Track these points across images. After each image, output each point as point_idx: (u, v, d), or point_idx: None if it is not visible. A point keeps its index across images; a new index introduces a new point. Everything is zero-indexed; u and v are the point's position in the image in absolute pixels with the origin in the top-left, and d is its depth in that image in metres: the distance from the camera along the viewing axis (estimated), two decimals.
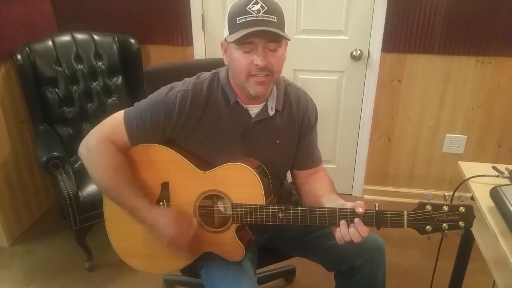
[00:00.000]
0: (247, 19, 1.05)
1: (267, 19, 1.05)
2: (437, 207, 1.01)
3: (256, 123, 1.22)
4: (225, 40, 1.12)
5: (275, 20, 1.06)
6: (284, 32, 1.08)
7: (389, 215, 1.04)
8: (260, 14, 1.04)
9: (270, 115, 1.23)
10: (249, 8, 1.05)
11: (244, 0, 1.07)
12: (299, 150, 1.32)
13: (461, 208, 1.00)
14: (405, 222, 1.03)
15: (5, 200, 2.21)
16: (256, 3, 1.05)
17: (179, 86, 1.20)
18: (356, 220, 1.04)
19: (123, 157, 1.20)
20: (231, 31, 1.08)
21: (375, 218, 1.04)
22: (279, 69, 1.15)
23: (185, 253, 1.21)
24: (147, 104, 1.20)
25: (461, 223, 1.00)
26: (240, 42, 1.07)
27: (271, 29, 1.05)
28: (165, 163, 1.22)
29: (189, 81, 1.22)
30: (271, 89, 1.21)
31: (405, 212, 1.03)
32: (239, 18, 1.06)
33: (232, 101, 1.19)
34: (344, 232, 1.05)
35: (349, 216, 1.06)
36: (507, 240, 1.05)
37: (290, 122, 1.27)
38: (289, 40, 1.11)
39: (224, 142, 1.22)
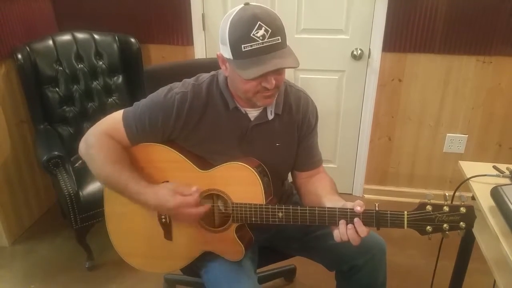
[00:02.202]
0: (253, 47, 1.01)
1: (273, 43, 1.02)
2: (437, 207, 1.00)
3: (255, 126, 1.22)
4: (228, 60, 1.10)
5: (280, 40, 1.04)
6: (286, 44, 1.07)
7: (389, 216, 1.04)
8: (265, 40, 1.01)
9: (270, 119, 1.22)
10: (253, 35, 1.00)
11: (245, 22, 1.02)
12: (299, 152, 1.31)
13: (461, 208, 0.99)
14: (405, 222, 1.03)
15: (5, 199, 2.21)
16: (260, 27, 1.00)
17: (178, 88, 1.20)
18: (355, 219, 1.04)
19: (123, 148, 1.20)
20: (235, 56, 1.05)
21: (375, 218, 1.04)
22: (284, 79, 1.17)
23: (197, 217, 1.16)
24: (146, 106, 1.20)
25: (462, 224, 0.99)
26: None
27: (286, 65, 1.04)
28: (165, 162, 1.22)
29: (188, 83, 1.21)
30: None
31: (405, 213, 1.02)
32: (244, 45, 1.02)
33: (231, 107, 1.19)
34: (342, 231, 1.04)
35: (348, 215, 1.05)
36: (508, 240, 1.05)
37: (289, 124, 1.26)
38: (297, 67, 1.07)
39: (222, 144, 1.22)
